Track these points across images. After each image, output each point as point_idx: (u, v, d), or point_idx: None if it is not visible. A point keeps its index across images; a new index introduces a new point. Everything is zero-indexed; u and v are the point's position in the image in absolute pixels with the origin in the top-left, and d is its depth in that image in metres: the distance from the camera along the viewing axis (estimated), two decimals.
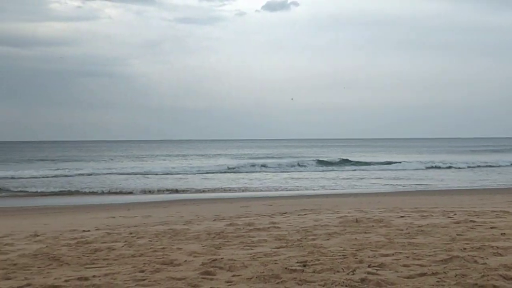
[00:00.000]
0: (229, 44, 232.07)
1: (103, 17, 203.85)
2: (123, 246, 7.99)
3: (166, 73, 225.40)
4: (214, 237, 8.74)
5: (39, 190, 24.58)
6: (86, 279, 5.79)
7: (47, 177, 32.52)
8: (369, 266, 6.09)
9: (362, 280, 5.46)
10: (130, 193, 23.92)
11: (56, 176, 33.10)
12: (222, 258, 6.75)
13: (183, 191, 24.51)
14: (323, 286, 5.33)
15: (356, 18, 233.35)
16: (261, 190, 24.57)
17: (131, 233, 9.48)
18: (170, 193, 23.97)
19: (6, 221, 12.61)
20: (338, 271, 5.89)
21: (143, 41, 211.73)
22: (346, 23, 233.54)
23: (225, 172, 37.77)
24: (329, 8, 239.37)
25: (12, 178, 31.55)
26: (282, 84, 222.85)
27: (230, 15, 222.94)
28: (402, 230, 9.05)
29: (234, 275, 5.84)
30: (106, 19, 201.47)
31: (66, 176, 33.20)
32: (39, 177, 32.06)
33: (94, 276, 5.91)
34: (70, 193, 23.96)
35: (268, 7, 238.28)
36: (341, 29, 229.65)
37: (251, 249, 7.50)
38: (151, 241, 8.50)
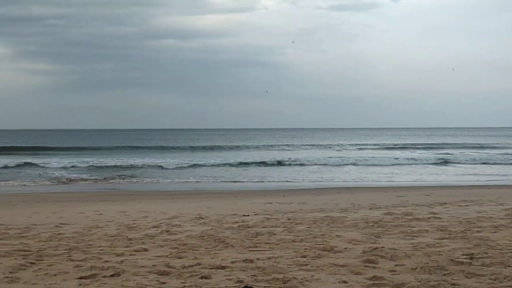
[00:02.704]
0: (383, 30, 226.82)
1: (259, 8, 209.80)
2: (282, 231, 8.20)
3: (319, 61, 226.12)
4: (373, 225, 8.67)
5: (202, 176, 25.95)
6: (251, 261, 6.03)
7: (214, 165, 33.77)
8: None
9: None
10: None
11: (214, 165, 34.27)
12: (383, 247, 6.68)
13: None
14: (494, 280, 5.08)
15: None
16: None
17: (289, 219, 9.69)
18: None
19: (173, 204, 13.49)
20: (509, 266, 5.60)
21: (298, 30, 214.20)
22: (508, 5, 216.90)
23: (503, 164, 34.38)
24: None
25: (177, 166, 33.42)
26: (440, 71, 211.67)
27: (384, 1, 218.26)
28: None
29: (397, 265, 5.75)
30: (262, 10, 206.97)
31: (225, 164, 34.23)
32: (207, 165, 33.47)
33: (258, 259, 6.14)
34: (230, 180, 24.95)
35: None
36: (505, 11, 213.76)
37: (412, 239, 7.33)
38: (309, 227, 8.63)
